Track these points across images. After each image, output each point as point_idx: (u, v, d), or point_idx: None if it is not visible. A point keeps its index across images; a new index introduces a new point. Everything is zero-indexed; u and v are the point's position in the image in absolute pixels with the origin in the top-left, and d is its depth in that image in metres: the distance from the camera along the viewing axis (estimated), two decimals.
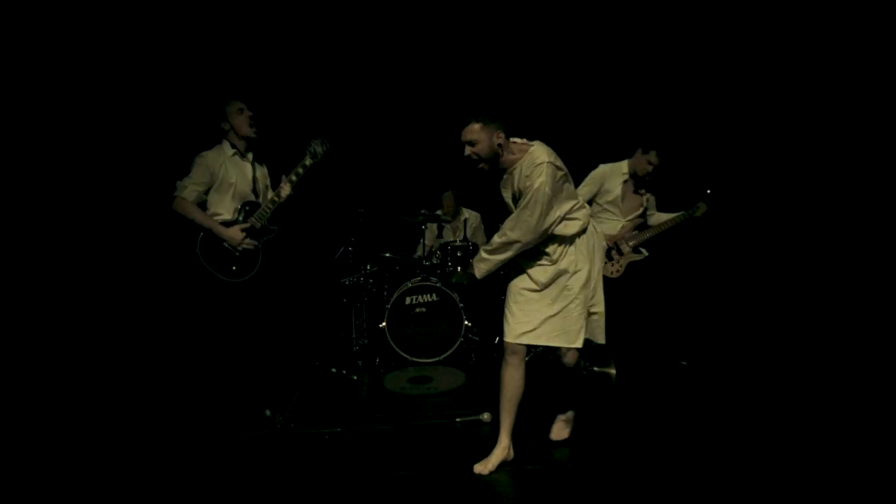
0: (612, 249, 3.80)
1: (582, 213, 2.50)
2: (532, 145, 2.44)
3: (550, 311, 2.44)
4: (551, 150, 2.41)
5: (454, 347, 4.40)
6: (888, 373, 3.62)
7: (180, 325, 4.65)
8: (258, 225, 3.14)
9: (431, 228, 5.37)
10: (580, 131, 5.03)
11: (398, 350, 4.41)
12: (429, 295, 4.52)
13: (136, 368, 4.13)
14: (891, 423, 2.84)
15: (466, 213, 5.35)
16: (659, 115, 5.22)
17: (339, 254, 4.72)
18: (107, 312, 4.50)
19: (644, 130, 3.99)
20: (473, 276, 2.54)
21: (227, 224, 3.11)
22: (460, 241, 4.89)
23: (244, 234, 3.10)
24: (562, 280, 2.46)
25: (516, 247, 2.42)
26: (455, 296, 4.48)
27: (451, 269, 4.70)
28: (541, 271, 2.47)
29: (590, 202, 3.86)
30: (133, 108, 4.62)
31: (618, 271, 3.78)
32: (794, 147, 5.07)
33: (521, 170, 2.39)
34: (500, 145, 2.39)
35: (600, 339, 2.60)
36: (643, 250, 3.87)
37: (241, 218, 3.16)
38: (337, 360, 4.43)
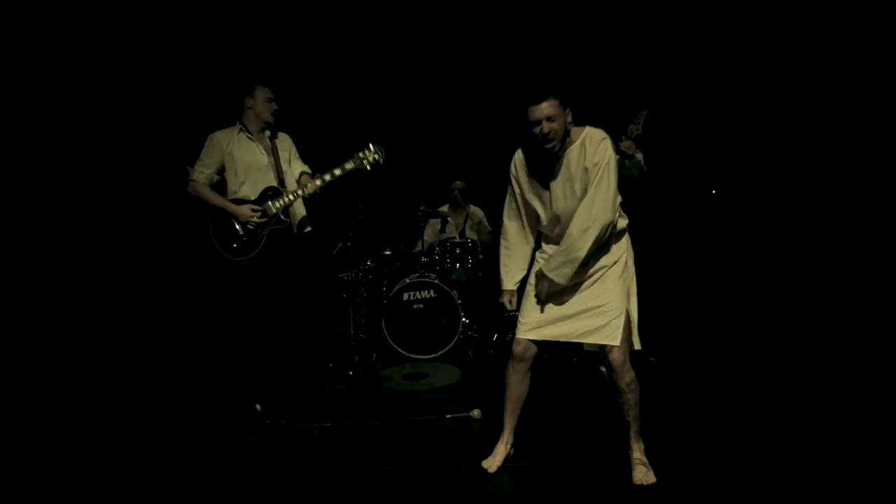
0: None
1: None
2: (583, 128, 2.33)
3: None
4: None
5: (451, 344, 4.38)
6: (881, 370, 3.55)
7: (174, 314, 4.73)
8: (271, 212, 3.19)
9: (433, 224, 5.34)
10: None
11: (395, 346, 4.40)
12: (427, 291, 4.50)
13: (127, 359, 4.15)
14: (883, 422, 2.78)
15: (471, 209, 5.31)
16: (659, 113, 5.16)
17: (337, 249, 4.71)
18: (100, 303, 4.54)
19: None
20: (555, 281, 2.30)
21: (238, 202, 3.20)
22: (459, 237, 4.86)
23: (255, 212, 3.18)
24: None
25: (598, 229, 2.19)
26: (453, 292, 4.46)
27: (449, 265, 4.68)
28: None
29: None
30: (145, 98, 4.67)
31: None
32: (789, 146, 5.01)
33: (584, 148, 2.25)
34: (569, 122, 2.27)
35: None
36: None
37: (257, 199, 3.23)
38: (334, 356, 4.43)
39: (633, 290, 2.38)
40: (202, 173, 3.23)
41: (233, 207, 3.18)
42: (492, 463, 2.45)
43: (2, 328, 4.06)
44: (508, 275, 2.51)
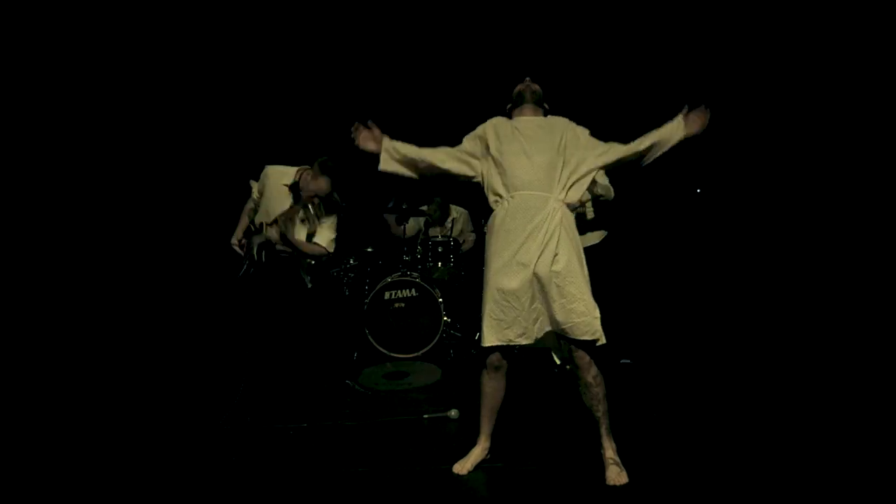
0: None
1: None
2: None
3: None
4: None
5: (432, 343, 4.36)
6: (869, 368, 3.57)
7: (172, 313, 4.69)
8: (251, 247, 3.34)
9: (417, 222, 5.32)
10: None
11: (376, 345, 4.38)
12: (408, 290, 4.48)
13: (120, 357, 4.11)
14: (869, 424, 2.79)
15: (455, 213, 5.28)
16: (653, 112, 5.16)
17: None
18: (98, 302, 4.51)
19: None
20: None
21: (247, 232, 3.48)
22: (442, 236, 4.84)
23: (237, 241, 3.51)
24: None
25: None
26: (435, 291, 4.44)
27: (431, 264, 4.65)
28: None
29: None
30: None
31: None
32: (774, 143, 5.03)
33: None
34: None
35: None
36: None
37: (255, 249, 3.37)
38: (314, 356, 4.39)
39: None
40: (252, 201, 3.49)
41: (235, 233, 3.53)
42: (462, 467, 2.42)
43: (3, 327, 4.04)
44: None
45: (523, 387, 3.48)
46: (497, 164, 2.37)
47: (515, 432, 2.78)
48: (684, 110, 2.44)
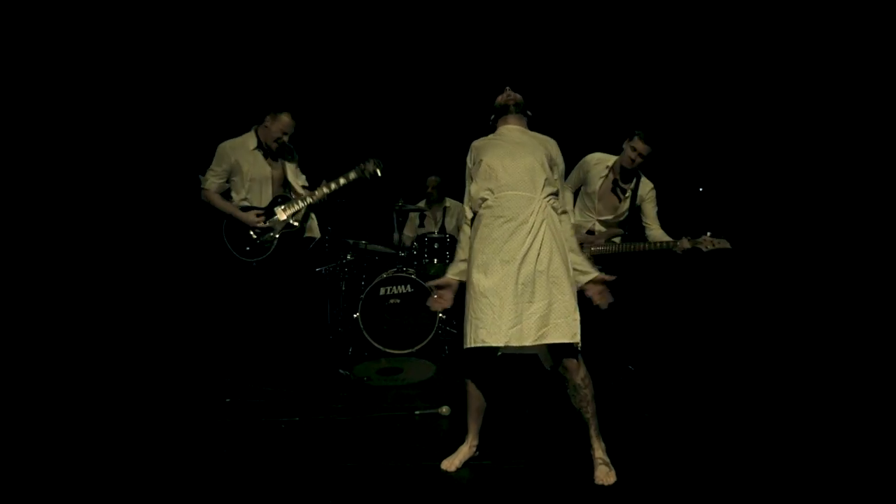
0: None
1: None
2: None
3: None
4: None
5: (427, 339, 4.37)
6: (870, 373, 3.58)
7: (170, 311, 4.70)
8: (282, 217, 3.41)
9: (412, 219, 5.33)
10: (571, 128, 4.98)
11: (371, 341, 4.39)
12: (404, 286, 4.49)
13: (118, 353, 4.12)
14: (863, 429, 2.80)
15: (448, 203, 5.29)
16: (658, 113, 5.14)
17: (313, 243, 4.67)
18: (97, 301, 4.52)
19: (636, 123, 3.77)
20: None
21: (246, 209, 3.43)
22: (438, 232, 4.84)
23: (260, 217, 3.41)
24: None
25: None
26: (431, 287, 4.43)
27: (427, 260, 4.66)
28: None
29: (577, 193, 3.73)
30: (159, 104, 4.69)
31: None
32: (777, 141, 5.01)
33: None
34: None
35: None
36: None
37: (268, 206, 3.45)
38: (310, 350, 4.40)
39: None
40: (213, 182, 3.45)
41: (240, 214, 3.42)
42: (451, 464, 2.43)
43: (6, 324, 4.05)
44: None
45: (513, 386, 3.49)
46: (484, 168, 2.36)
47: (505, 431, 2.79)
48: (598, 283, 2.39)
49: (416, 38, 5.31)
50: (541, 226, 2.28)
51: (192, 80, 4.75)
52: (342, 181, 3.37)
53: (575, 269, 2.35)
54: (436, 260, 4.67)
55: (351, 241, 4.68)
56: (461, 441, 2.51)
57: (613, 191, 3.61)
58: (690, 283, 5.06)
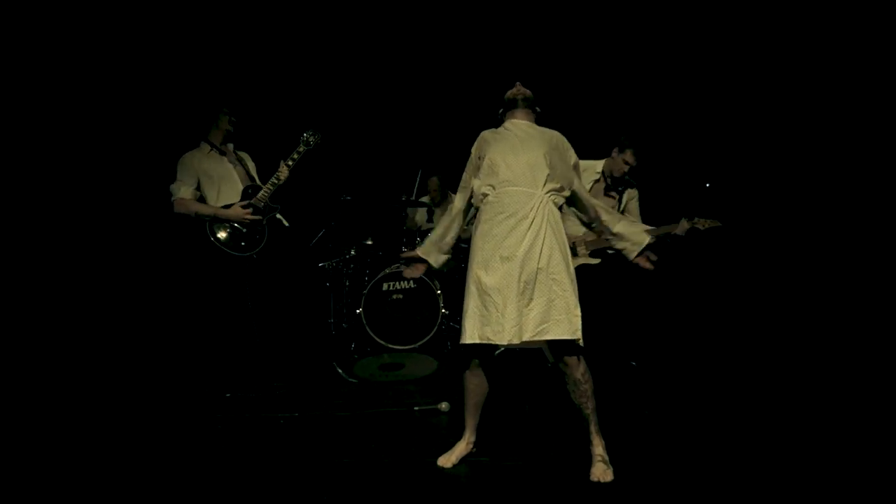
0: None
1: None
2: None
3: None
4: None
5: (430, 335, 4.35)
6: (868, 374, 3.54)
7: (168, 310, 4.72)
8: (260, 204, 3.43)
9: (420, 213, 5.31)
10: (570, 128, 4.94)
11: (374, 336, 4.38)
12: (407, 281, 4.48)
13: (115, 353, 4.15)
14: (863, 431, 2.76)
15: (451, 197, 5.27)
16: (646, 115, 5.09)
17: (317, 238, 4.68)
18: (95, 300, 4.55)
19: (625, 129, 3.80)
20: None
21: (227, 206, 3.41)
22: None
23: (246, 209, 3.39)
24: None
25: None
26: (434, 283, 4.43)
27: None
28: None
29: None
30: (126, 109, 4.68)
31: None
32: (785, 137, 4.95)
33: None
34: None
35: None
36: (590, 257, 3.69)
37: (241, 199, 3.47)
38: (313, 345, 4.42)
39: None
40: (186, 190, 3.38)
41: (224, 212, 3.38)
42: (447, 460, 2.42)
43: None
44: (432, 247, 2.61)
45: (513, 382, 3.48)
46: (487, 164, 2.37)
47: (503, 427, 2.78)
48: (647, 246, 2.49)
49: (411, 35, 5.29)
50: (542, 222, 2.26)
51: (192, 81, 4.75)
52: (296, 156, 3.45)
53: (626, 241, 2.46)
54: None
55: (354, 237, 4.69)
56: (460, 437, 2.50)
57: (606, 193, 3.72)
58: (691, 279, 5.02)
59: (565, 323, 2.20)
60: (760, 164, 5.11)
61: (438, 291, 4.40)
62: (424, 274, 4.38)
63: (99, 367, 3.84)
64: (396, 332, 4.40)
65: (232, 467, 2.42)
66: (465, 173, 2.53)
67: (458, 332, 4.49)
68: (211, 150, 3.46)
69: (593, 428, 2.32)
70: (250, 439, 2.70)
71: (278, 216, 3.56)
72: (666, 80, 5.15)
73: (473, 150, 2.50)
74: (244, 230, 3.40)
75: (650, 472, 2.32)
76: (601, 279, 3.62)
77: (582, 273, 3.55)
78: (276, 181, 3.44)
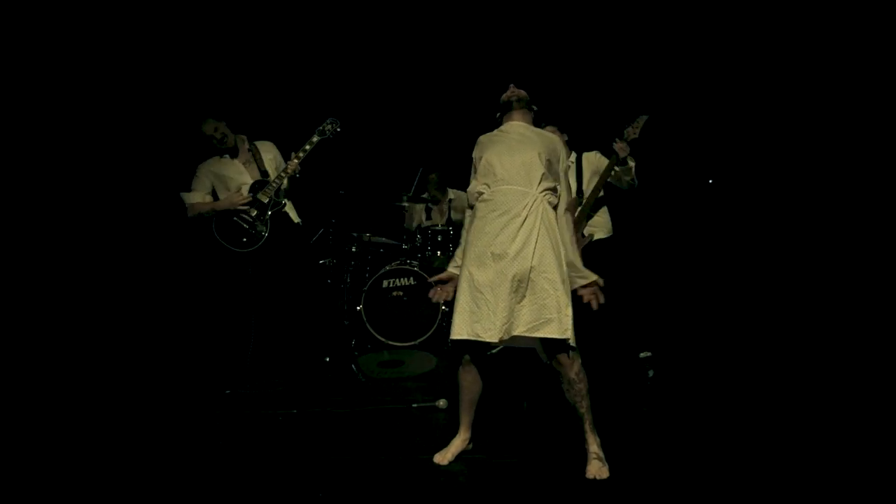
0: None
1: None
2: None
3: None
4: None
5: (430, 332, 4.36)
6: (868, 373, 3.52)
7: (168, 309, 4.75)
8: (265, 199, 3.44)
9: (419, 210, 5.31)
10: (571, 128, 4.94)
11: (374, 333, 4.39)
12: (407, 279, 4.48)
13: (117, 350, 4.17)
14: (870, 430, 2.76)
15: (452, 194, 5.26)
16: (646, 116, 5.07)
17: (317, 235, 4.69)
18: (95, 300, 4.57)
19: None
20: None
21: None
22: (442, 224, 4.83)
23: (245, 196, 3.41)
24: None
25: None
26: (434, 280, 4.42)
27: (430, 253, 4.65)
28: None
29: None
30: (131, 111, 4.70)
31: None
32: (788, 134, 4.92)
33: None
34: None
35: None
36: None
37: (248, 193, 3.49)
38: (312, 342, 4.43)
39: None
40: (195, 195, 3.47)
41: (218, 203, 3.43)
42: (443, 457, 2.42)
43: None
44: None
45: (510, 379, 3.48)
46: (483, 164, 2.38)
47: (500, 424, 2.78)
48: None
49: (408, 34, 5.28)
50: (535, 220, 2.27)
51: (191, 80, 4.76)
52: (308, 147, 3.42)
53: (571, 273, 2.33)
54: (439, 252, 4.67)
55: (355, 234, 4.69)
56: (456, 434, 2.51)
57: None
58: (689, 277, 5.01)
59: (556, 322, 2.20)
60: (761, 165, 5.10)
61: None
62: (424, 270, 4.43)
63: (99, 364, 3.86)
64: (396, 329, 4.40)
65: (231, 464, 2.43)
66: (471, 178, 2.53)
67: None
68: (222, 155, 3.51)
69: (588, 426, 2.32)
70: (249, 436, 2.72)
71: (286, 210, 3.55)
72: (666, 79, 5.13)
73: (474, 155, 2.51)
74: (245, 226, 3.41)
75: (646, 469, 2.32)
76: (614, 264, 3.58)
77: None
78: (283, 174, 3.45)
